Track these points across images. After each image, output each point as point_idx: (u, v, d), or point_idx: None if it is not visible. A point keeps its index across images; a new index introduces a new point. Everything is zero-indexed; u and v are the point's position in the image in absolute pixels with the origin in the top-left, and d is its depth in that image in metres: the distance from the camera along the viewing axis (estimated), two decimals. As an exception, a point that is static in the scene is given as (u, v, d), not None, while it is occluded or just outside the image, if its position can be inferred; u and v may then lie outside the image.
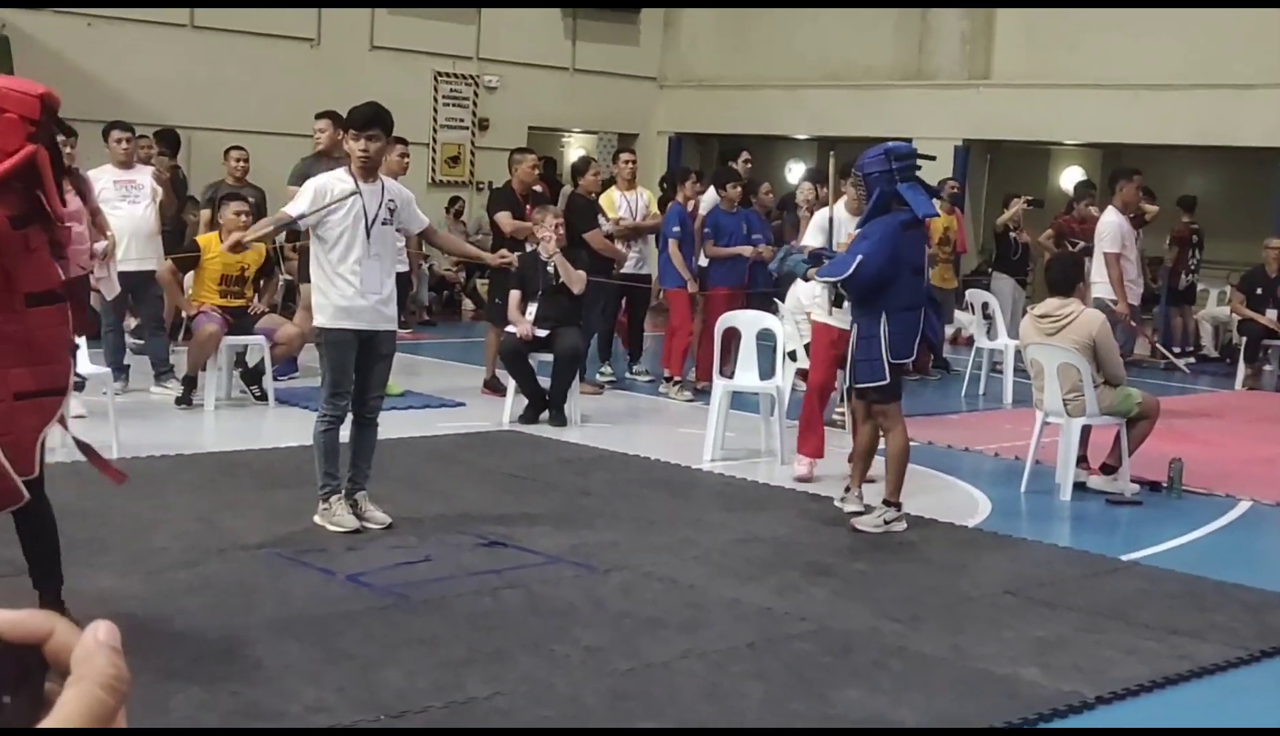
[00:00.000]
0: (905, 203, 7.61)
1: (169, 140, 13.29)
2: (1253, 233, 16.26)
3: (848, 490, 8.14)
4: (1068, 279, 9.15)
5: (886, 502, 7.80)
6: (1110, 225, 11.43)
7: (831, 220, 8.68)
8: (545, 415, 10.49)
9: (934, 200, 8.54)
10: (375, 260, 7.07)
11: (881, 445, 8.01)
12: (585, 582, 6.51)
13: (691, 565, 6.89)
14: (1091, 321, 8.91)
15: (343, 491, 7.21)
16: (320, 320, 7.14)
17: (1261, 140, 16.56)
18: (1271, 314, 14.83)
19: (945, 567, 7.13)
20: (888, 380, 7.64)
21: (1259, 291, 15.07)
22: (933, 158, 8.64)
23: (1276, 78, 16.23)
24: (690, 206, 12.36)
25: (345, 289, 7.02)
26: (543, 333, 10.46)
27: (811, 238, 8.82)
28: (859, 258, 7.52)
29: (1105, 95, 17.45)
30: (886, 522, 7.74)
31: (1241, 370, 14.87)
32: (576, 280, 10.64)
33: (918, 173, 7.85)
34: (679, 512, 8.02)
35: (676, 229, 12.16)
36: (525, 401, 10.57)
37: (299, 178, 9.05)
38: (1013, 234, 14.85)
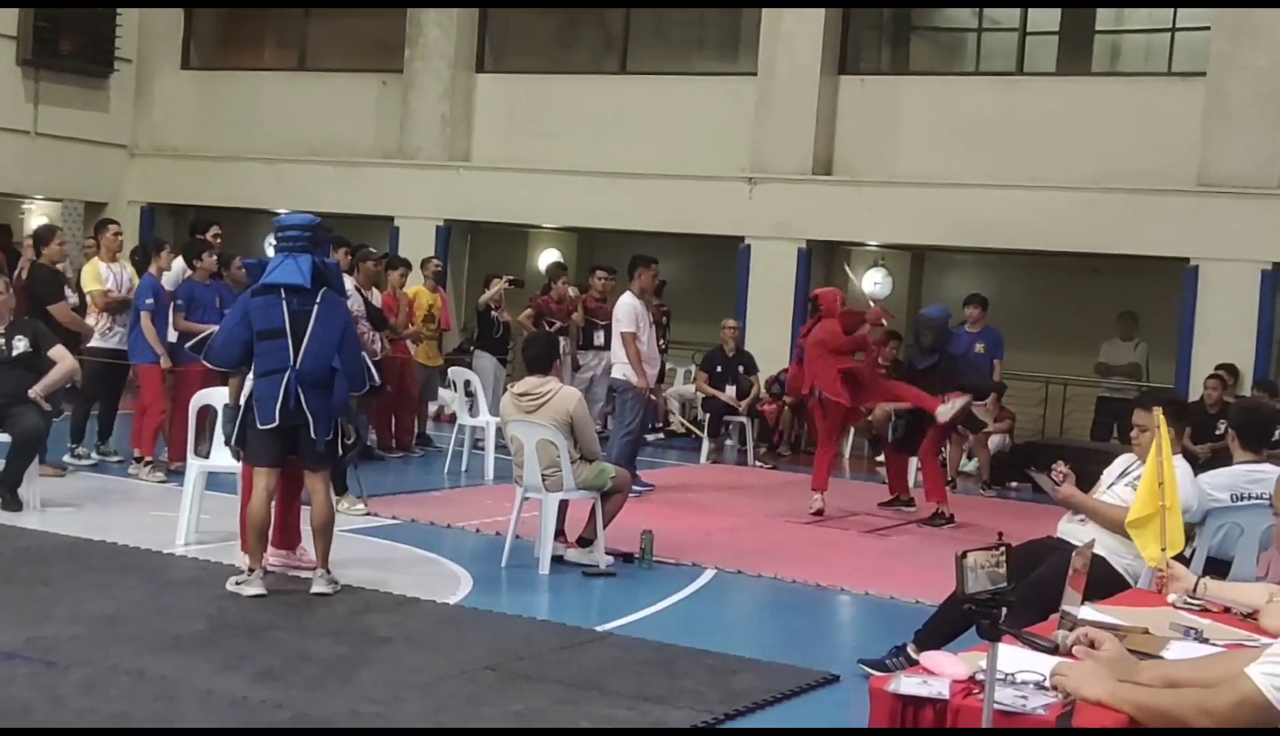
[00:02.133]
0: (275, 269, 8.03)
1: None
2: (715, 314, 17.28)
3: (251, 571, 7.90)
4: (545, 357, 9.39)
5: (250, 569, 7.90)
6: (626, 307, 12.12)
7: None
8: None
9: (347, 276, 8.97)
10: None
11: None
12: (43, 680, 6.06)
13: (162, 655, 6.55)
14: (568, 399, 9.17)
15: None
16: None
17: (722, 229, 17.69)
18: (731, 390, 15.79)
19: (426, 646, 7.09)
20: (236, 448, 8.08)
21: (719, 369, 16.03)
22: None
23: (735, 172, 17.41)
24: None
25: None
26: None
27: None
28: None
29: (580, 182, 18.16)
30: (238, 584, 7.83)
31: (706, 444, 15.72)
32: (68, 369, 10.12)
33: (316, 243, 8.13)
34: (149, 600, 7.62)
35: (150, 301, 11.65)
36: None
37: None
38: (494, 313, 15.14)
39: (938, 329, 12.39)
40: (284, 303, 7.87)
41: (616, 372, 12.34)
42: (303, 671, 6.47)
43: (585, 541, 9.33)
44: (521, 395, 9.21)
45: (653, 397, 12.14)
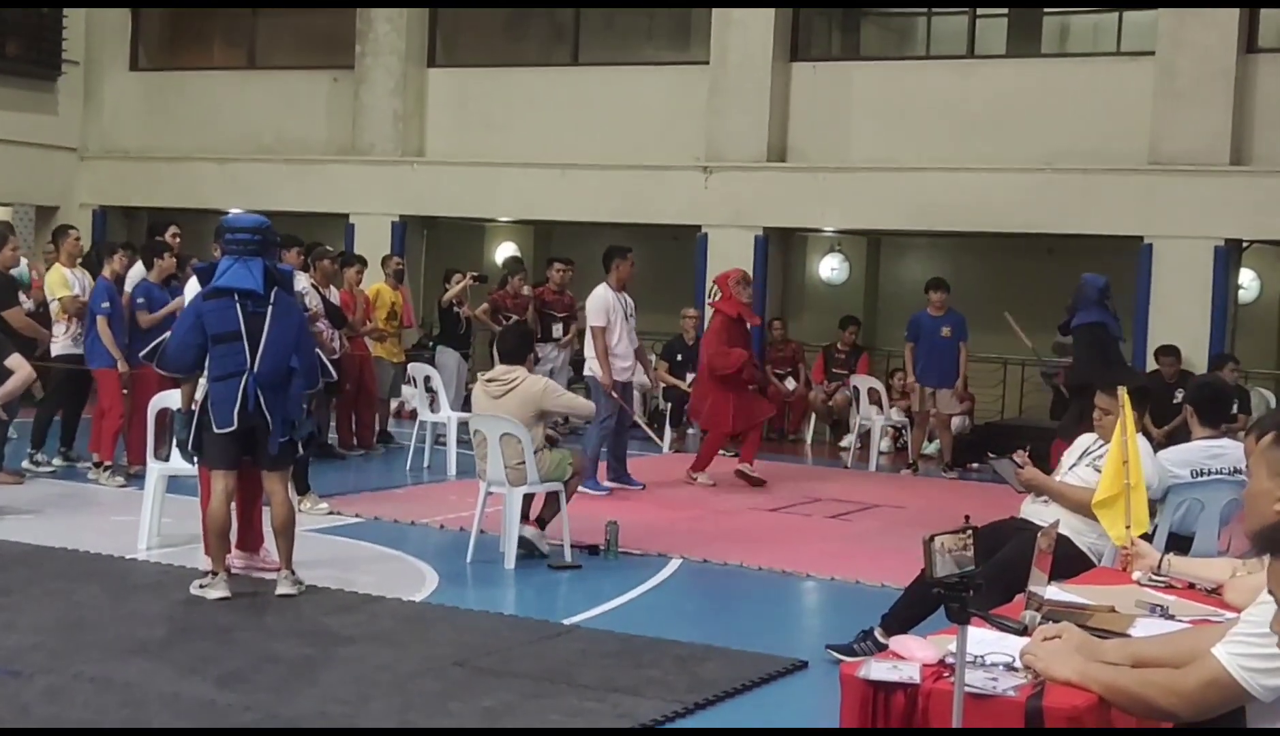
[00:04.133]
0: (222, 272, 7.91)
1: None
2: (673, 304, 17.27)
3: (214, 574, 7.84)
4: (520, 348, 9.48)
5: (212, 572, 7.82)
6: (596, 300, 12.03)
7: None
8: None
9: (299, 275, 8.89)
10: None
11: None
12: (7, 690, 6.01)
13: (127, 661, 6.51)
14: (535, 384, 9.27)
15: None
16: None
17: (678, 218, 17.67)
18: (691, 379, 15.76)
19: (393, 644, 7.07)
20: (192, 452, 7.99)
21: (679, 358, 16.02)
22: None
23: (690, 161, 17.40)
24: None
25: None
26: None
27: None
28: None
29: (535, 174, 18.11)
30: (202, 587, 7.76)
31: (668, 434, 15.71)
32: (25, 377, 9.96)
33: (267, 246, 8.00)
34: (111, 606, 7.56)
35: (106, 305, 11.54)
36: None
37: None
38: (457, 309, 15.11)
39: (1077, 291, 12.14)
40: (238, 306, 7.81)
41: (587, 369, 12.32)
42: (269, 673, 6.44)
43: (543, 522, 9.33)
44: (490, 381, 9.34)
45: (613, 395, 11.99)
